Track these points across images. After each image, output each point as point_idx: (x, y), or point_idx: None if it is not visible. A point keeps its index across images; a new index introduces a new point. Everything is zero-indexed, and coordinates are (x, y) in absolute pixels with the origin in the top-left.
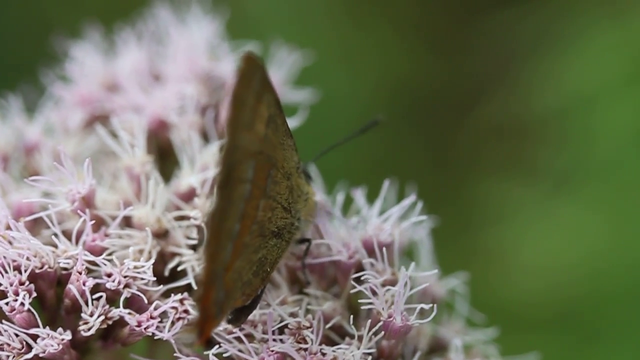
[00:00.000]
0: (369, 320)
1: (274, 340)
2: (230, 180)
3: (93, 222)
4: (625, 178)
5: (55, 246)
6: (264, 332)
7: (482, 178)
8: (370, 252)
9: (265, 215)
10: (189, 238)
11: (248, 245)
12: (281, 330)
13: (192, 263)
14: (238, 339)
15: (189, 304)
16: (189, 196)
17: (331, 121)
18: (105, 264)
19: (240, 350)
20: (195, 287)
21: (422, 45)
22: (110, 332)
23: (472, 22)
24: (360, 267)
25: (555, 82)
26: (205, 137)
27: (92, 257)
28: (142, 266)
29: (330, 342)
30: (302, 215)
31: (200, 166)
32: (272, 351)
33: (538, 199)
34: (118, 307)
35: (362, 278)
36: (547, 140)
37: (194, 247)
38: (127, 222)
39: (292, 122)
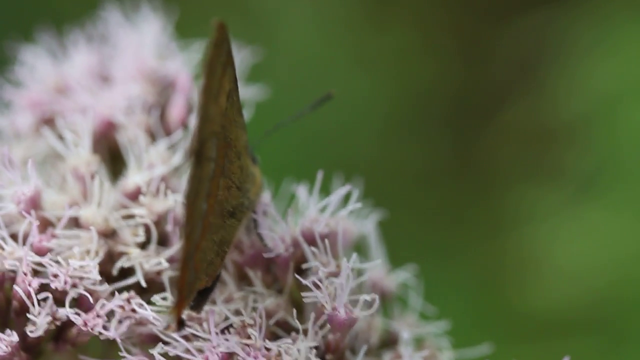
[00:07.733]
0: (313, 314)
1: (218, 338)
2: (201, 159)
3: (38, 223)
4: None
5: (2, 248)
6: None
7: (508, 182)
8: (311, 244)
9: (223, 194)
10: (136, 236)
11: (212, 225)
12: (227, 329)
13: (140, 260)
14: (185, 337)
15: (135, 302)
16: (136, 195)
17: (354, 125)
18: (51, 265)
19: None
20: (143, 285)
21: (446, 51)
22: (62, 333)
23: (495, 27)
24: (300, 262)
25: (580, 85)
26: (153, 136)
27: (37, 258)
28: (88, 265)
29: (277, 338)
30: (250, 194)
31: (147, 164)
32: (216, 349)
33: (564, 203)
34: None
35: (305, 271)
36: (573, 143)
37: (142, 245)
38: (76, 222)
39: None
